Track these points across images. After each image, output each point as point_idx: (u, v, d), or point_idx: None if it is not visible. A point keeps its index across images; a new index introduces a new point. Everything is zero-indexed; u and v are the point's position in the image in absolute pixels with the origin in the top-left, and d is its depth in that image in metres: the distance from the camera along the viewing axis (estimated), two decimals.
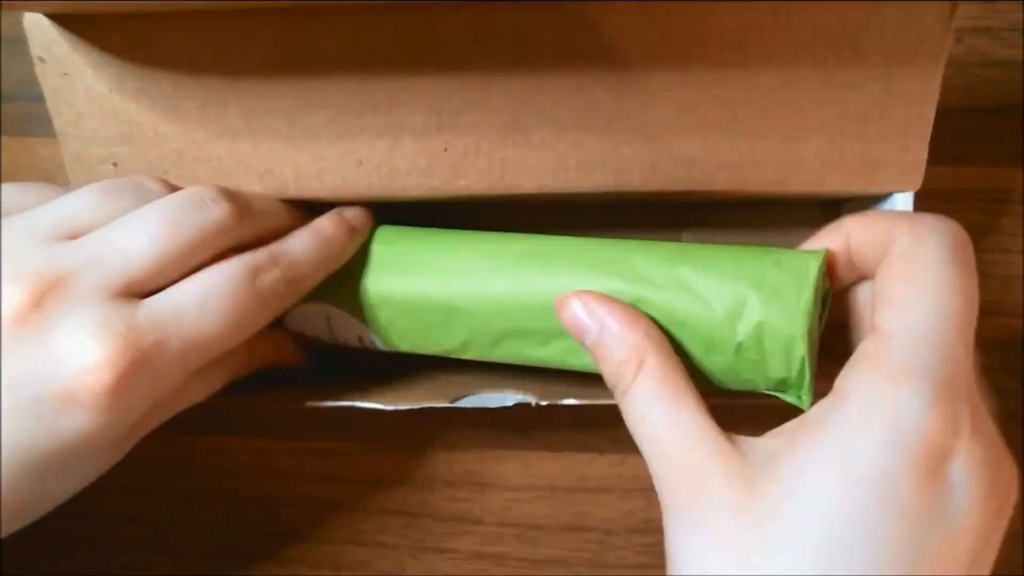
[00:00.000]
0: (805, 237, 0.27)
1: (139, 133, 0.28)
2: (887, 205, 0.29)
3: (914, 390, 0.19)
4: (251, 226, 0.26)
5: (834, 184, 0.28)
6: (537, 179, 0.28)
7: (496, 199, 0.29)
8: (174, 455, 0.36)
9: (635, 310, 0.25)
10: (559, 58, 0.27)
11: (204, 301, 0.23)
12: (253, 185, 0.29)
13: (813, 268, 0.24)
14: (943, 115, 0.35)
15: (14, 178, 0.37)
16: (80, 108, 0.28)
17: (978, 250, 0.35)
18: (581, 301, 0.24)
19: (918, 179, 0.28)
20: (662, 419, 0.22)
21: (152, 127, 0.28)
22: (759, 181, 0.28)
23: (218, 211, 0.24)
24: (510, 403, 0.29)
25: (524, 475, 0.38)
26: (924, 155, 0.27)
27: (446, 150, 0.28)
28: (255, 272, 0.24)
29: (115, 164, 0.29)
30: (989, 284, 0.35)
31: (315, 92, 0.28)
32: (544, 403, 0.29)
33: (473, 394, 0.29)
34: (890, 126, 0.27)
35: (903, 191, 0.28)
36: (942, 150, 0.35)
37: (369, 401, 0.29)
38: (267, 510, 0.37)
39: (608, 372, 0.24)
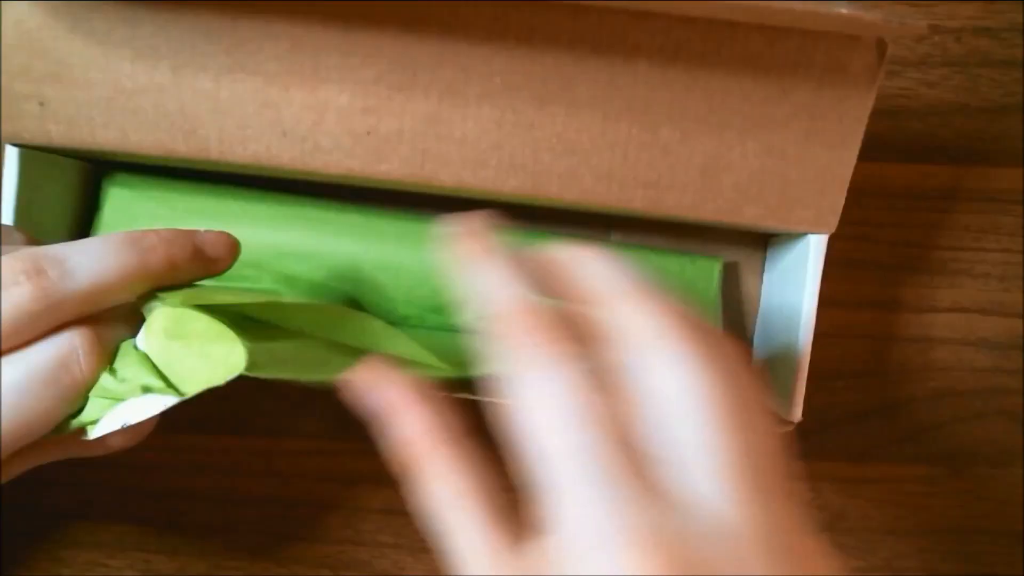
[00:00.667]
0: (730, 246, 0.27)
1: (68, 75, 0.28)
2: (801, 245, 0.29)
3: None
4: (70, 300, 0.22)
5: (750, 218, 0.28)
6: (456, 174, 0.28)
7: (416, 187, 0.29)
8: (174, 456, 0.36)
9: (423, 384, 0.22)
10: (488, 56, 0.27)
11: (18, 393, 0.22)
12: (177, 144, 0.29)
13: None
14: (943, 115, 0.35)
15: None
16: (8, 40, 0.28)
17: (978, 250, 0.36)
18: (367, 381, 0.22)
19: (833, 223, 0.28)
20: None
21: (82, 71, 0.28)
22: (676, 205, 0.28)
23: (19, 294, 0.21)
24: None
25: None
26: (841, 200, 0.27)
27: (369, 133, 0.28)
28: (71, 362, 0.22)
29: (41, 104, 0.29)
30: (989, 284, 0.35)
31: (245, 58, 0.27)
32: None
33: None
34: (810, 168, 0.27)
35: (817, 233, 0.28)
36: (942, 150, 0.35)
37: None
38: (267, 510, 0.36)
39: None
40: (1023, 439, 0.36)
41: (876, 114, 0.27)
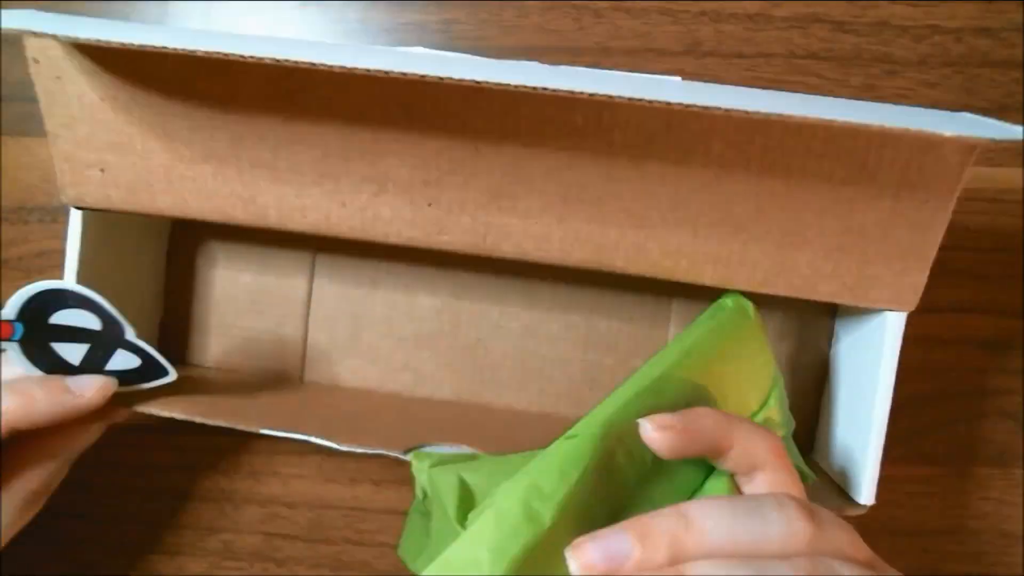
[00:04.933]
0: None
1: (128, 144, 0.28)
2: (877, 321, 0.28)
3: None
4: None
5: (824, 294, 0.27)
6: (519, 246, 0.27)
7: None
8: (173, 456, 0.37)
9: None
10: (554, 131, 0.26)
11: None
12: (236, 212, 0.28)
13: None
14: None
15: (14, 178, 0.37)
16: (72, 112, 0.28)
17: (978, 250, 0.35)
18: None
19: (913, 301, 0.27)
20: None
21: (141, 140, 0.28)
22: (747, 281, 0.27)
23: None
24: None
25: None
26: (923, 279, 0.26)
27: (430, 205, 0.27)
28: None
29: (102, 170, 0.28)
30: (989, 284, 0.35)
31: (305, 130, 0.27)
32: None
33: (428, 445, 0.29)
34: (892, 246, 0.26)
35: (896, 311, 0.27)
36: None
37: (326, 439, 0.29)
38: (266, 510, 0.37)
39: None
40: (1023, 439, 0.35)
41: None
